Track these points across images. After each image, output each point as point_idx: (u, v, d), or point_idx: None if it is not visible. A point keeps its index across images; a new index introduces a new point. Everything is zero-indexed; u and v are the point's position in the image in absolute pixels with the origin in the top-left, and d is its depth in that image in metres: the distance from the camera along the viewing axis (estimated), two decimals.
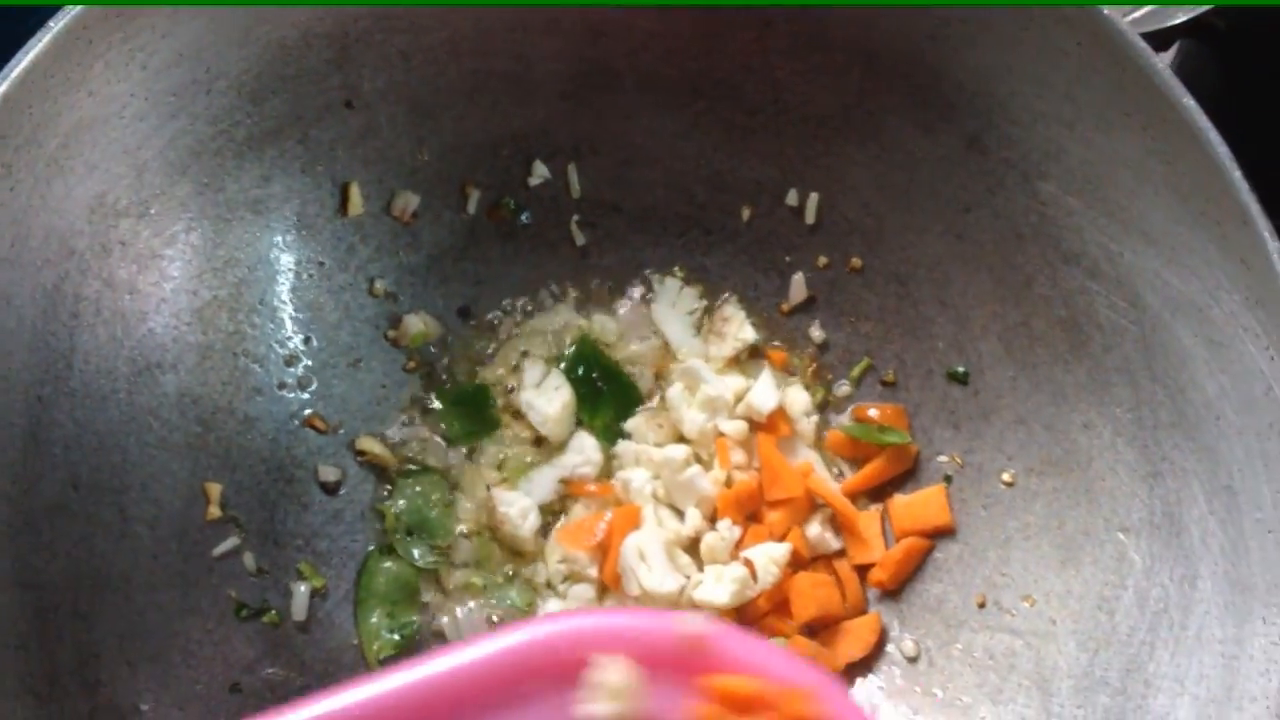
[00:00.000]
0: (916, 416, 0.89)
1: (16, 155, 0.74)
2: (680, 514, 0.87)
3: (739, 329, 0.90)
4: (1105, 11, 0.73)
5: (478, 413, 0.90)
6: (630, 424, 0.89)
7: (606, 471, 0.89)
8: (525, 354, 0.91)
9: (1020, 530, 0.83)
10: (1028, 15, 0.76)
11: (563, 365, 0.90)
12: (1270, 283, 0.69)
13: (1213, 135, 0.71)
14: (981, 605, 0.83)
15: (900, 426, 0.88)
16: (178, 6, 0.76)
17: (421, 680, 0.57)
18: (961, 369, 0.87)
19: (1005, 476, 0.85)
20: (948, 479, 0.87)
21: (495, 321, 0.91)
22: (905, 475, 0.88)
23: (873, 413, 0.89)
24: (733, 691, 0.56)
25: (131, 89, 0.77)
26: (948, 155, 0.84)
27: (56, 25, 0.73)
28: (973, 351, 0.86)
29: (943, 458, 0.87)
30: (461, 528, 0.88)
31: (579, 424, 0.90)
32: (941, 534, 0.86)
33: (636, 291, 0.92)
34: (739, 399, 0.88)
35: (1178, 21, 0.87)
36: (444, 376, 0.90)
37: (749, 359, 0.91)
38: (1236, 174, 0.70)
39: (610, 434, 0.89)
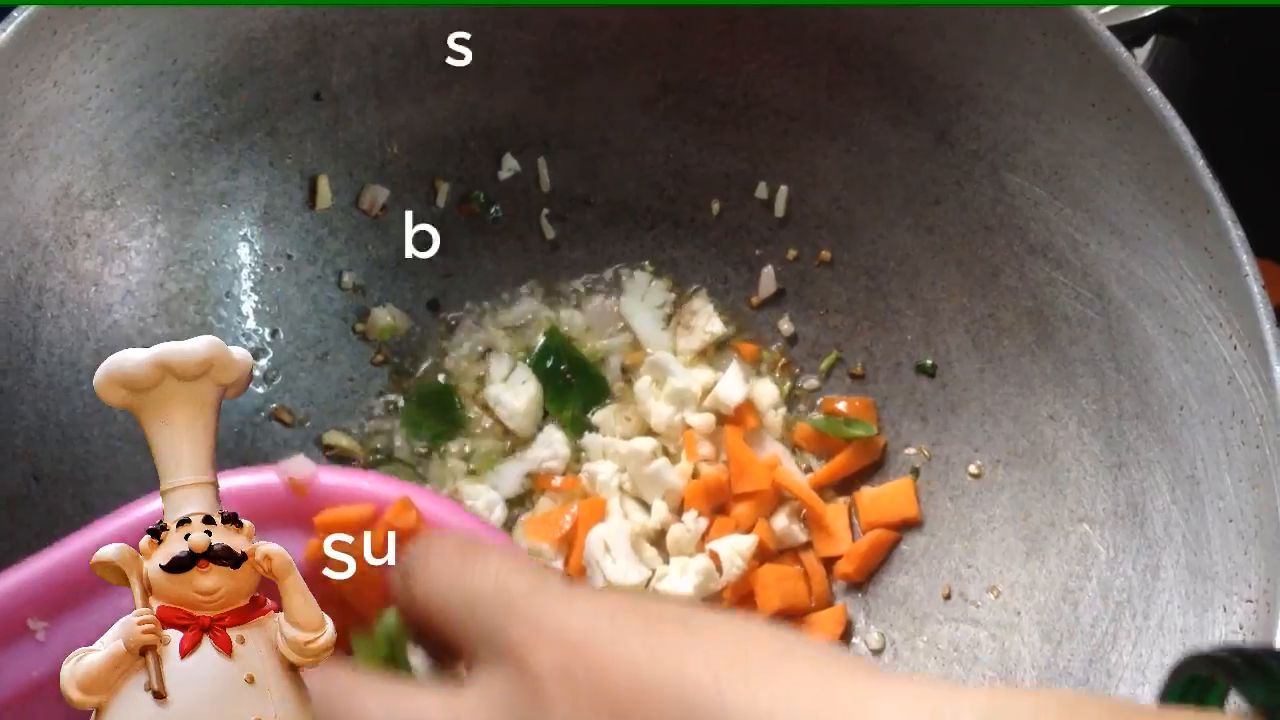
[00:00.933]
0: (885, 409, 0.88)
1: None
2: (647, 506, 0.86)
3: (707, 322, 0.90)
4: None
5: (444, 413, 0.89)
6: (598, 417, 0.89)
7: (573, 464, 0.88)
8: (490, 349, 0.90)
9: (986, 522, 0.83)
10: (995, 8, 0.76)
11: (529, 360, 0.89)
12: (1233, 271, 0.69)
13: (1177, 124, 0.71)
14: (947, 597, 0.83)
15: (868, 419, 0.88)
16: None
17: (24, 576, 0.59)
18: (929, 361, 0.87)
19: (972, 468, 0.84)
20: (915, 471, 0.87)
21: (461, 315, 0.91)
22: (873, 468, 0.88)
23: (841, 405, 0.88)
24: (338, 520, 0.60)
25: (97, 80, 0.77)
26: (917, 147, 0.84)
27: (20, 15, 0.73)
28: (941, 344, 0.86)
29: (910, 450, 0.87)
30: None
31: (545, 415, 0.89)
32: (908, 526, 0.86)
33: (605, 285, 0.92)
34: (707, 392, 0.87)
35: (1144, 15, 0.87)
36: (411, 371, 0.90)
37: (717, 352, 0.91)
38: (1200, 162, 0.70)
39: (578, 426, 0.89)
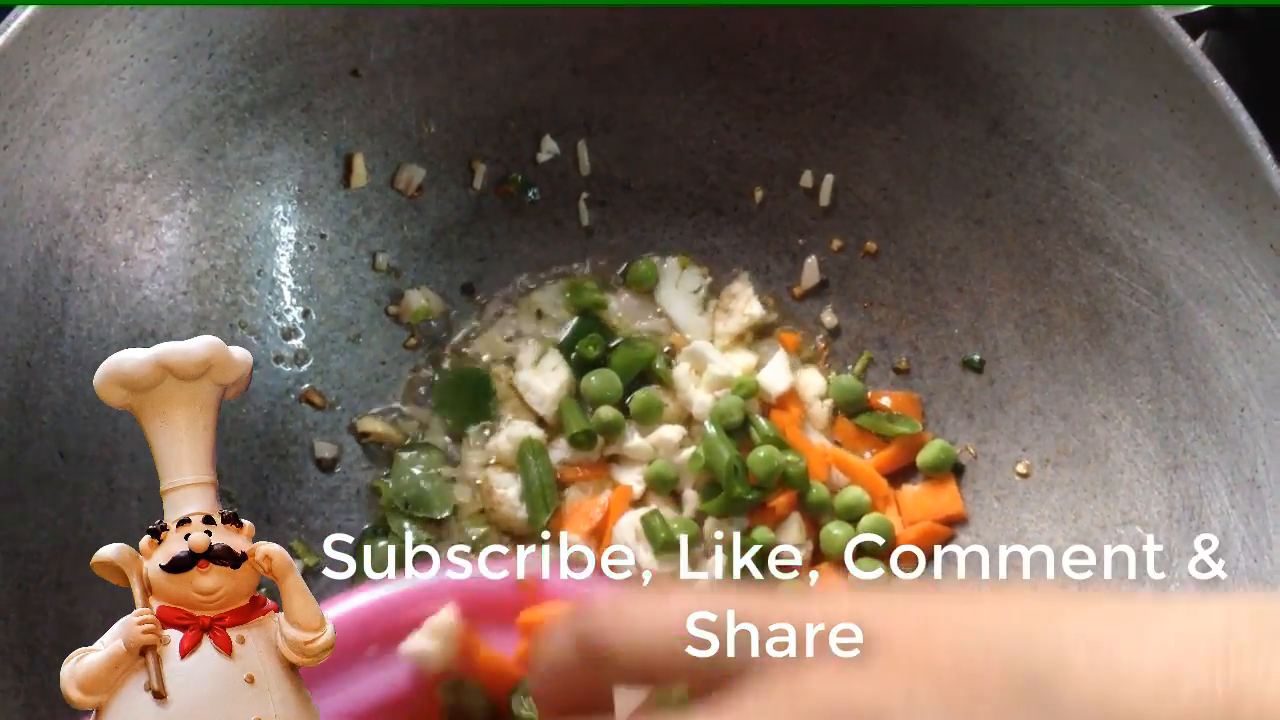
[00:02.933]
0: (930, 405, 0.86)
1: (11, 114, 0.72)
2: (676, 496, 0.85)
3: (746, 305, 0.88)
4: None
5: (477, 402, 0.87)
6: (632, 403, 0.87)
7: (602, 451, 0.86)
8: (519, 333, 0.89)
9: (1034, 523, 0.81)
10: None
11: (561, 342, 0.88)
12: None
13: (1243, 117, 0.69)
14: None
15: (913, 415, 0.86)
16: None
17: None
18: (977, 357, 0.85)
19: (1020, 467, 0.83)
20: (960, 469, 0.85)
21: (496, 299, 0.89)
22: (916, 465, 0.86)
23: (885, 401, 0.87)
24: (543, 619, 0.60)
25: (131, 49, 0.76)
26: (969, 137, 0.82)
27: None
28: (989, 339, 0.84)
29: (955, 448, 0.85)
30: (456, 508, 0.85)
31: (577, 400, 0.87)
32: (953, 524, 0.84)
33: None
34: (748, 377, 0.86)
35: (1199, 9, 0.85)
36: (444, 355, 0.88)
37: (757, 339, 0.89)
38: (1268, 157, 0.69)
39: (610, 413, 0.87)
